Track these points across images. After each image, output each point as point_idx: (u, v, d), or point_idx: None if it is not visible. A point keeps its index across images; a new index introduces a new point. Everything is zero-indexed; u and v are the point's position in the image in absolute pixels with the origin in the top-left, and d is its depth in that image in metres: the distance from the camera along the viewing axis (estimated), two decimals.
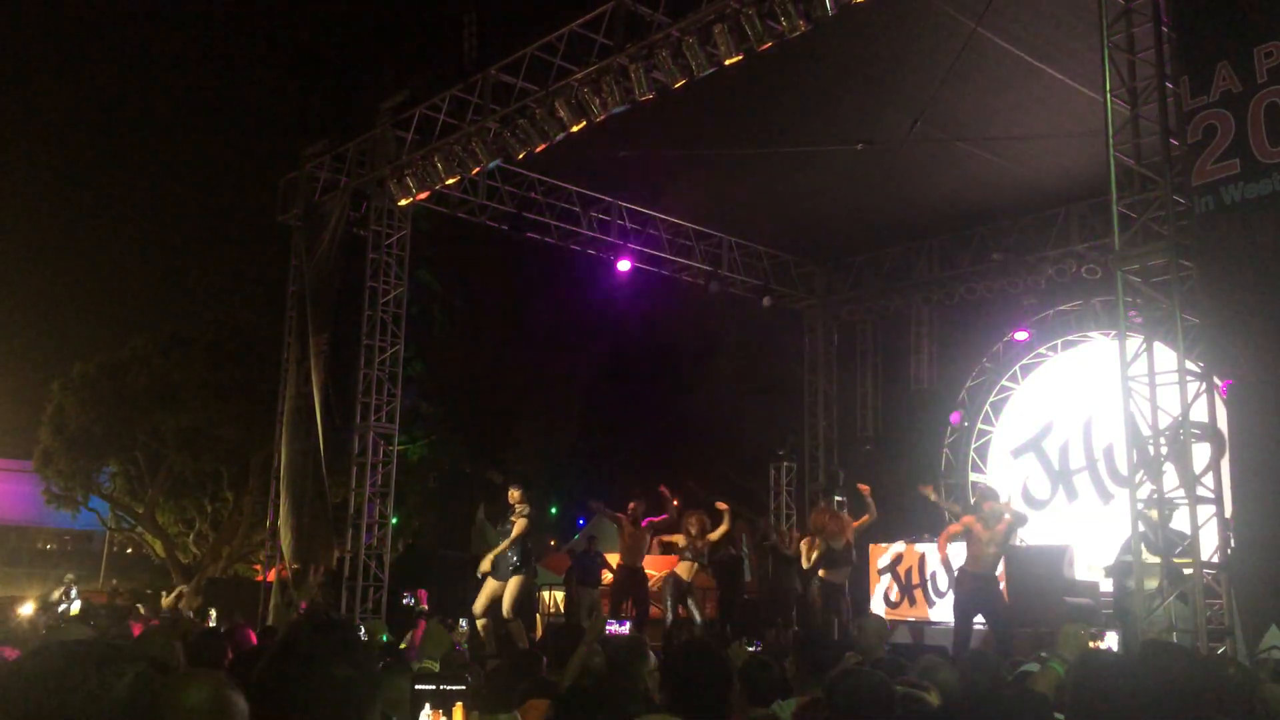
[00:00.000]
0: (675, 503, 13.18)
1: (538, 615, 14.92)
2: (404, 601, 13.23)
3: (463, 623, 12.15)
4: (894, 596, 13.45)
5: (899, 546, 13.57)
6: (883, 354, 17.13)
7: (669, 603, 12.00)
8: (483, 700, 4.36)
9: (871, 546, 13.69)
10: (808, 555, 11.90)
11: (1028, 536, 12.48)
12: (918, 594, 13.23)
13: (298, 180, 14.96)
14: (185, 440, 22.36)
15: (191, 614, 12.20)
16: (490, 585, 10.78)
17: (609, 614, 12.71)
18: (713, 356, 25.67)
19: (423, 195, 13.29)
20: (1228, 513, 7.42)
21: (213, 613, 12.83)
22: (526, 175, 14.04)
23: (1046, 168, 12.87)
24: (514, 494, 10.86)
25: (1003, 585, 10.27)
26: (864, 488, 12.45)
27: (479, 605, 10.82)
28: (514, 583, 10.59)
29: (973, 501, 13.64)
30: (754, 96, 11.36)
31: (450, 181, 12.87)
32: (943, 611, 12.76)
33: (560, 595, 19.34)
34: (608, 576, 14.19)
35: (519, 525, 10.61)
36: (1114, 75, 7.97)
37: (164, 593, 11.04)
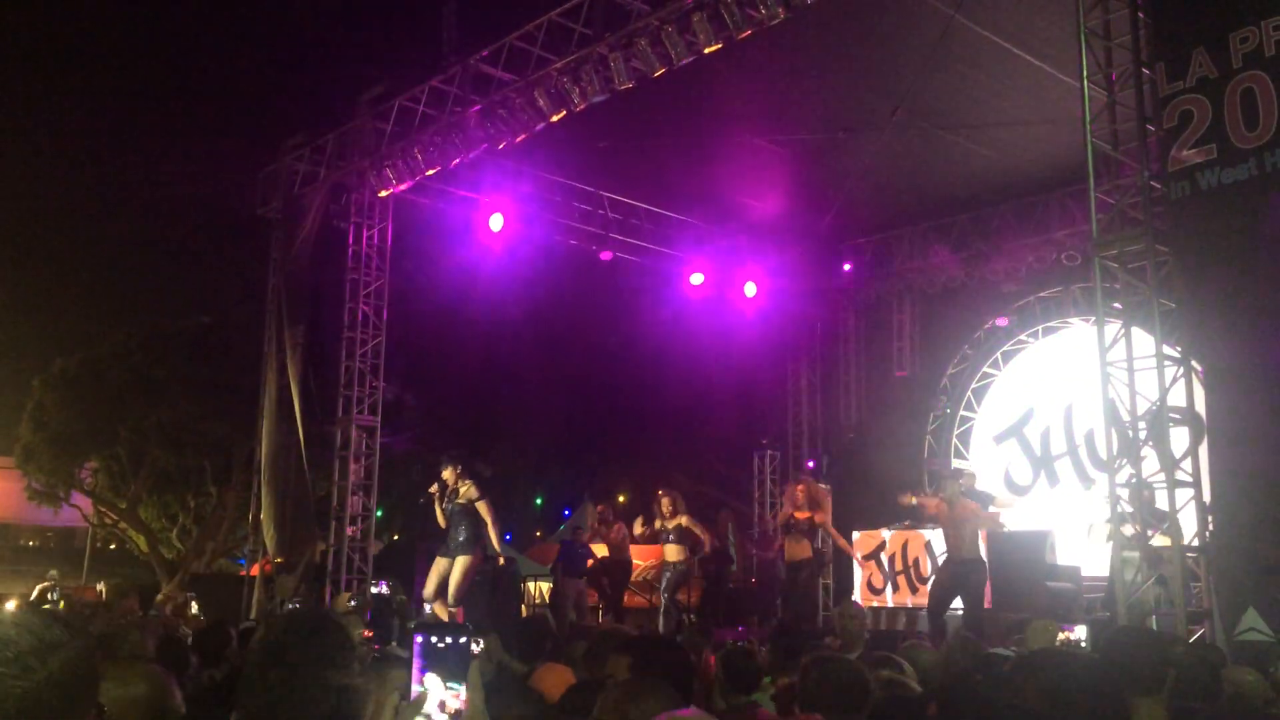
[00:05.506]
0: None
1: (522, 605, 14.85)
2: (374, 590, 13.19)
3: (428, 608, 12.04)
4: (877, 583, 13.50)
5: (882, 533, 13.61)
6: (865, 341, 17.15)
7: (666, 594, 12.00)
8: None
9: (856, 534, 13.73)
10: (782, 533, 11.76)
11: (1010, 522, 12.51)
12: (900, 580, 13.28)
13: (277, 173, 14.86)
14: (168, 435, 22.25)
15: (168, 610, 12.07)
16: (439, 565, 10.41)
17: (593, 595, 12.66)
18: (696, 346, 25.59)
19: (404, 186, 13.24)
20: (1206, 496, 7.48)
21: (193, 606, 12.73)
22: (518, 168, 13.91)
23: (1026, 155, 12.88)
24: (448, 473, 10.58)
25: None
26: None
27: (429, 589, 10.45)
28: (461, 562, 10.26)
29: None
30: (733, 84, 11.34)
31: (431, 173, 12.82)
32: (926, 597, 12.82)
33: (546, 586, 19.32)
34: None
35: (486, 505, 10.29)
36: (1091, 61, 7.99)
37: (99, 585, 10.51)
